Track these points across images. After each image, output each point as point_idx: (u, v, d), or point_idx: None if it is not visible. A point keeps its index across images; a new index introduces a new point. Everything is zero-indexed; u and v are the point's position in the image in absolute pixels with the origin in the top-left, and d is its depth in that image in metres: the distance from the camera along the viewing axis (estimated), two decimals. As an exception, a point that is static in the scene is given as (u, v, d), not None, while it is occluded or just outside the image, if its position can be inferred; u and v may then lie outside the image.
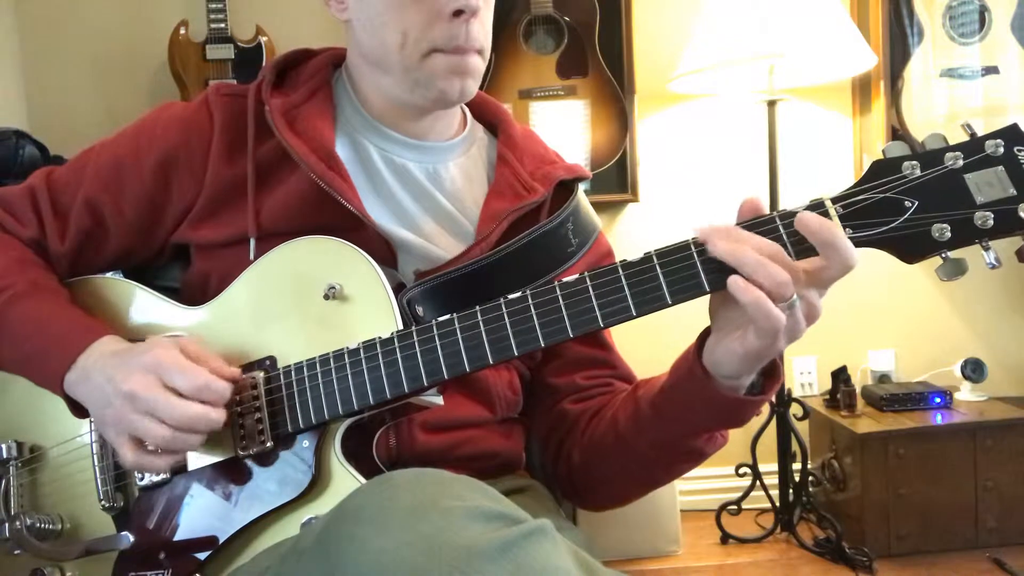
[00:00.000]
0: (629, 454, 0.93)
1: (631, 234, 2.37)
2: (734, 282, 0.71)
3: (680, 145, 2.38)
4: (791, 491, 2.10)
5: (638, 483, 1.00)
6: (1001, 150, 0.71)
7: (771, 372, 0.84)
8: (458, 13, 0.89)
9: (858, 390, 2.23)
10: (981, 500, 2.01)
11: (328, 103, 0.99)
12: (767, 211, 0.75)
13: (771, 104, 2.06)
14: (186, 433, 0.79)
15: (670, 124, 2.37)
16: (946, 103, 2.29)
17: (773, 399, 2.08)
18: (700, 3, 2.07)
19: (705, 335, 0.81)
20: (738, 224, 0.75)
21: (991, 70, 2.28)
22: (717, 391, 0.80)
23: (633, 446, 0.92)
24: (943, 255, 0.72)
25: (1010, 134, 0.72)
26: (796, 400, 2.11)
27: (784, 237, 0.73)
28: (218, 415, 0.80)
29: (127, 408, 0.80)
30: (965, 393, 2.23)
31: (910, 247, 0.72)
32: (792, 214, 0.73)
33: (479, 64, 0.94)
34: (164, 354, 0.81)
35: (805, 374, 2.42)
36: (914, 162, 0.72)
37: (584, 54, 2.26)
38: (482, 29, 0.93)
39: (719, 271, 0.73)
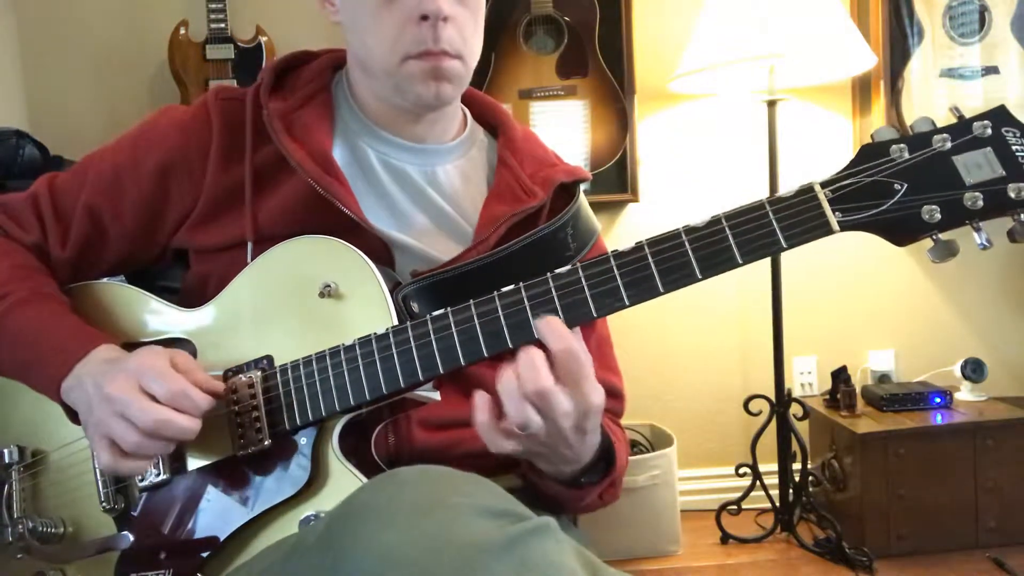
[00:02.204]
0: None
1: (631, 234, 2.37)
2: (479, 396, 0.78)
3: (680, 145, 2.37)
4: (791, 491, 2.10)
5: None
6: (989, 131, 0.71)
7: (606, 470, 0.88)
8: (425, 17, 0.89)
9: (858, 390, 2.23)
10: (981, 500, 2.01)
11: (326, 107, 0.99)
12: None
13: (771, 104, 2.06)
14: (153, 439, 0.79)
15: (670, 124, 2.37)
16: (946, 103, 2.28)
17: (774, 399, 2.08)
18: (700, 3, 2.07)
19: None
20: (728, 212, 0.75)
21: (991, 70, 2.28)
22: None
23: None
24: (934, 237, 0.72)
25: (997, 116, 0.72)
26: (796, 400, 2.11)
27: (774, 224, 0.73)
28: (189, 423, 0.79)
29: (105, 410, 0.80)
30: (965, 393, 2.23)
31: (900, 229, 0.72)
32: (781, 200, 0.74)
33: (457, 68, 0.93)
34: (148, 360, 0.81)
35: (805, 374, 2.41)
36: (902, 145, 0.73)
37: (584, 54, 2.26)
38: (458, 34, 0.92)
39: (709, 258, 0.74)
